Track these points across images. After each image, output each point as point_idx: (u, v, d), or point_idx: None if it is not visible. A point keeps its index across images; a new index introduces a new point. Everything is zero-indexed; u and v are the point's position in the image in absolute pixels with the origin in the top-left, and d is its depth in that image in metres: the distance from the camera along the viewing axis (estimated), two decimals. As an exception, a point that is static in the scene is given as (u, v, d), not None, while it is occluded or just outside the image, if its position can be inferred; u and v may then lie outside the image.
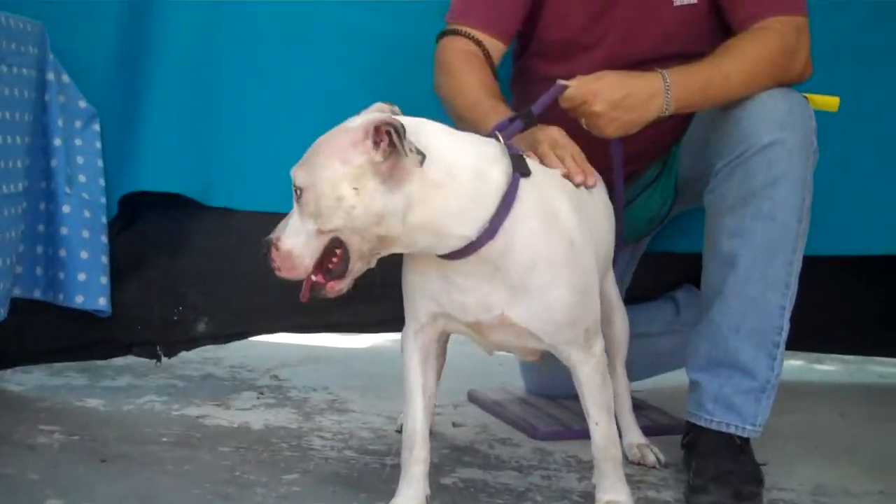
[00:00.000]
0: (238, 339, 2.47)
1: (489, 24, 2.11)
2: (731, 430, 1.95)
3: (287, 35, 2.38)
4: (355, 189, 1.50)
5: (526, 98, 2.05)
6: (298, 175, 1.53)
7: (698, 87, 1.95)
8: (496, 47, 2.12)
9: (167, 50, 2.34)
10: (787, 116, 1.91)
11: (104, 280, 2.27)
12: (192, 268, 2.37)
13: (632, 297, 2.42)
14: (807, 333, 2.37)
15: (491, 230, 1.57)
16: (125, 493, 1.78)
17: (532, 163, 1.69)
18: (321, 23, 2.39)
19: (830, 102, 2.08)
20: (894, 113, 2.50)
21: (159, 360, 2.37)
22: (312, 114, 2.31)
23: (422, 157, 1.49)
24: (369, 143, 1.50)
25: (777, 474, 2.02)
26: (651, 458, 2.08)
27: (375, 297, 2.28)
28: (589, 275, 1.71)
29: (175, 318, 2.37)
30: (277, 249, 1.55)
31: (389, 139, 1.49)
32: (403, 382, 1.76)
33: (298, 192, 1.53)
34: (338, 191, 1.50)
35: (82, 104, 2.30)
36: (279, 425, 2.21)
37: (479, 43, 2.09)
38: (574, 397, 1.80)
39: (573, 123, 1.93)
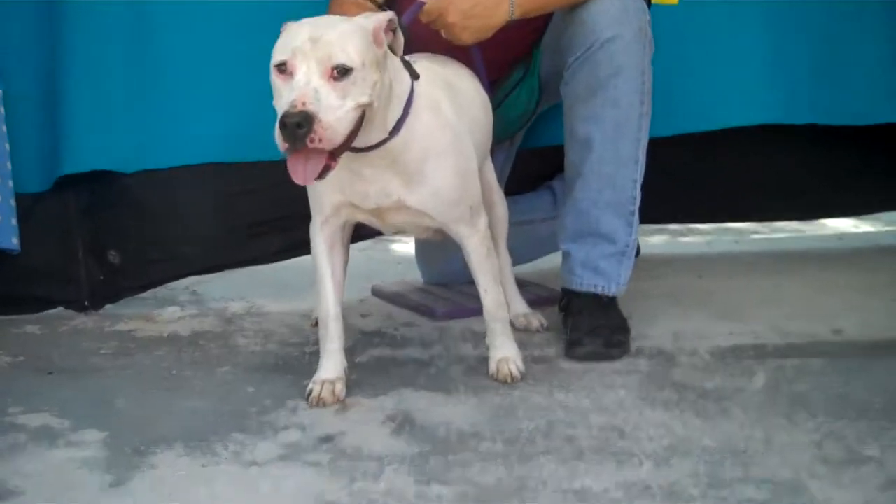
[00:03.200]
0: (154, 286, 2.71)
1: None
2: (599, 291, 2.27)
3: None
4: (379, 68, 1.77)
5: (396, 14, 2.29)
6: (350, 56, 1.70)
7: None
8: None
9: (79, 28, 2.50)
10: (622, 14, 2.19)
11: (14, 221, 2.45)
12: (114, 226, 2.61)
13: (514, 190, 2.72)
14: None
15: (396, 127, 1.86)
16: (76, 396, 2.02)
17: (415, 64, 1.97)
18: None
19: None
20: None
21: (87, 312, 2.60)
22: (205, 65, 2.58)
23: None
24: (388, 33, 1.81)
25: (642, 326, 2.34)
26: (535, 324, 2.39)
27: (269, 231, 2.63)
28: (469, 160, 2.02)
29: (101, 277, 2.62)
30: (321, 122, 1.66)
31: (394, 32, 1.81)
32: (314, 270, 2.03)
33: (343, 70, 1.70)
34: (374, 69, 1.75)
35: None
36: (205, 330, 2.45)
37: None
38: (465, 283, 2.10)
39: (436, 35, 2.19)
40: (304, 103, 1.66)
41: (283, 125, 1.66)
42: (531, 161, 2.82)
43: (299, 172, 1.73)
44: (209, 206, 2.64)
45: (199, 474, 1.66)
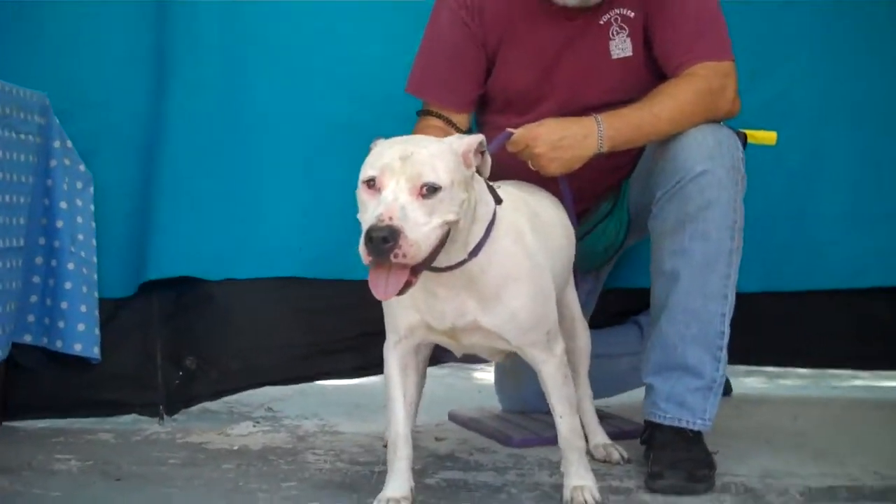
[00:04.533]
0: (229, 395, 2.70)
1: (446, 102, 2.35)
2: (684, 425, 2.16)
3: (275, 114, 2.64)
4: (466, 189, 1.77)
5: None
6: (440, 175, 1.70)
7: (629, 127, 2.18)
8: (460, 118, 2.36)
9: (176, 135, 2.59)
10: (716, 148, 2.15)
11: (97, 331, 2.50)
12: (193, 335, 2.63)
13: (599, 324, 2.67)
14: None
15: (476, 249, 1.83)
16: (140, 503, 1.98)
17: (499, 189, 1.95)
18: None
19: (768, 137, 2.34)
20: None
21: (162, 418, 2.60)
22: (294, 181, 2.63)
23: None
24: (476, 155, 1.81)
25: (730, 463, 2.23)
26: (616, 456, 2.29)
27: (345, 349, 2.61)
28: (547, 286, 1.97)
29: (176, 381, 2.62)
30: (407, 237, 1.65)
31: (482, 154, 1.83)
32: (386, 390, 1.98)
33: (432, 188, 1.69)
34: (462, 189, 1.75)
35: (81, 168, 2.53)
36: (276, 446, 2.40)
37: (449, 121, 2.33)
38: (544, 412, 2.03)
39: (523, 167, 2.19)
40: (391, 218, 1.65)
41: (368, 238, 1.64)
42: (616, 301, 2.79)
43: (380, 287, 1.70)
44: (288, 319, 2.63)
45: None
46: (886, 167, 2.85)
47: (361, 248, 1.66)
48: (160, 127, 2.59)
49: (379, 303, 2.36)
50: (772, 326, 2.86)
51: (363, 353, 2.60)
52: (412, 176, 1.69)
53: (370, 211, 1.68)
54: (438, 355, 2.28)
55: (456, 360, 2.28)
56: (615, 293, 2.79)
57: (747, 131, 2.27)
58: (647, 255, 2.59)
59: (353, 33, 2.66)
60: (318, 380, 2.72)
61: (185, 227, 2.58)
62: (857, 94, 2.82)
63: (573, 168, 2.17)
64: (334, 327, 2.64)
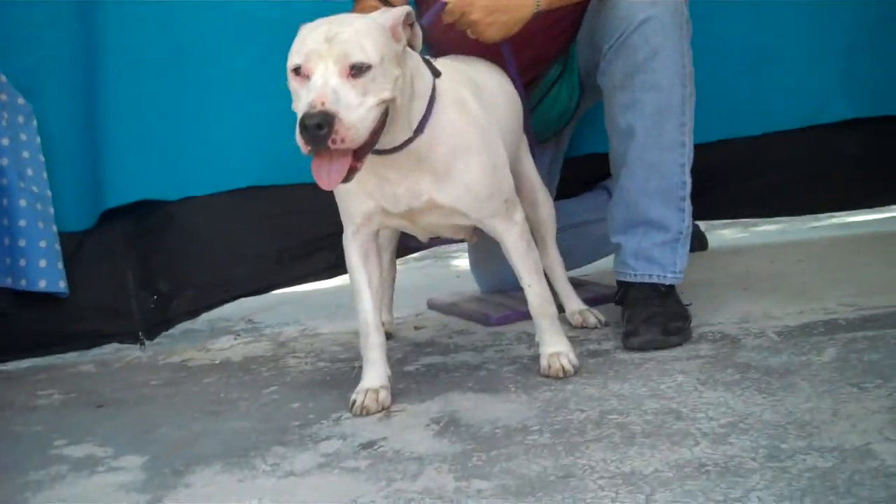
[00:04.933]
0: (206, 311, 2.68)
1: None
2: (654, 280, 2.15)
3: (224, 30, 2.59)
4: (399, 64, 1.71)
5: (419, 15, 2.24)
6: (368, 52, 1.64)
7: None
8: None
9: (115, 62, 2.54)
10: None
11: (60, 265, 2.48)
12: (161, 257, 2.60)
13: (566, 194, 2.64)
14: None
15: (420, 125, 1.79)
16: (123, 426, 1.98)
17: (436, 62, 1.90)
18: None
19: None
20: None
21: (143, 344, 2.59)
22: (238, 91, 2.58)
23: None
24: (405, 28, 1.75)
25: (706, 313, 2.23)
26: (592, 320, 2.29)
27: (316, 250, 2.59)
28: (499, 153, 1.93)
29: (151, 306, 2.60)
30: (342, 121, 1.60)
31: (411, 27, 1.75)
32: (350, 280, 1.96)
33: (361, 67, 1.63)
34: (394, 65, 1.69)
35: (21, 101, 2.47)
36: (257, 355, 2.41)
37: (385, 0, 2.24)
38: (519, 288, 2.01)
39: (463, 37, 2.12)
40: (322, 103, 1.60)
41: (303, 127, 1.60)
42: (584, 168, 2.75)
43: (323, 176, 1.66)
44: (254, 229, 2.61)
45: (234, 488, 1.59)
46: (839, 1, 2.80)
47: (298, 139, 1.61)
48: (98, 54, 2.53)
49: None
50: (740, 176, 2.83)
51: (336, 252, 2.56)
52: (339, 56, 1.63)
53: (302, 99, 1.64)
54: (407, 243, 2.26)
55: (424, 246, 2.26)
56: (580, 160, 2.75)
57: None
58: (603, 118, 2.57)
59: None
60: (292, 285, 2.70)
61: (136, 151, 2.54)
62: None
63: (513, 31, 2.10)
64: (302, 231, 2.62)
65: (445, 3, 2.09)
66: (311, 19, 1.80)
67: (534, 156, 2.32)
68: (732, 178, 2.80)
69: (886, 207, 3.03)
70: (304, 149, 1.62)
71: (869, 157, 2.80)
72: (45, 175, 2.49)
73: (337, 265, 2.63)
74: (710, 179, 2.53)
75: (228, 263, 2.62)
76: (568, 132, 2.67)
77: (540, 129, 2.44)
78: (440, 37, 2.12)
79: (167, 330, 2.62)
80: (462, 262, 3.21)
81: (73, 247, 2.53)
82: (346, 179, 1.66)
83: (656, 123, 2.12)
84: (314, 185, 2.51)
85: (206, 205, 2.58)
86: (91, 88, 2.55)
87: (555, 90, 2.45)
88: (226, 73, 2.59)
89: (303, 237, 2.63)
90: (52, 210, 2.49)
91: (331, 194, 2.37)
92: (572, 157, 2.76)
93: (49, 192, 2.50)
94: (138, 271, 2.59)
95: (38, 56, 2.52)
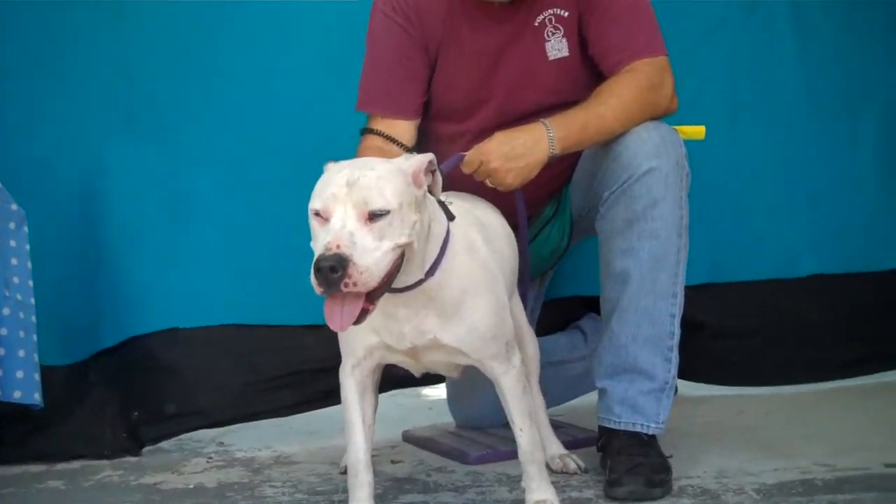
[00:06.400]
0: (174, 437, 2.74)
1: (391, 111, 2.34)
2: (638, 429, 2.19)
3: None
4: (418, 209, 1.76)
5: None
6: (387, 198, 1.69)
7: (577, 128, 2.20)
8: (407, 127, 2.35)
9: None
10: (661, 146, 2.18)
11: (37, 377, 2.45)
12: (132, 389, 2.68)
13: (541, 334, 2.69)
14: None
15: (433, 267, 1.83)
16: (99, 553, 1.94)
17: (450, 205, 1.96)
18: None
19: (697, 131, 2.37)
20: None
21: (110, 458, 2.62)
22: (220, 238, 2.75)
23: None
24: (427, 174, 1.80)
25: (684, 466, 2.26)
26: (572, 466, 2.31)
27: (284, 385, 2.74)
28: (503, 295, 1.99)
29: (124, 434, 2.65)
30: (356, 265, 1.64)
31: (433, 174, 1.82)
32: (344, 415, 1.97)
33: (379, 213, 1.68)
34: (412, 210, 1.73)
35: (14, 207, 2.47)
36: (231, 481, 2.37)
37: (392, 139, 2.32)
38: (498, 426, 2.04)
39: (478, 185, 2.20)
40: (338, 246, 1.64)
41: (317, 269, 1.63)
42: (557, 311, 2.85)
43: (336, 318, 1.69)
44: (227, 364, 2.72)
45: None
46: (797, 158, 3.00)
47: (312, 279, 1.64)
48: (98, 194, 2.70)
49: (314, 342, 2.63)
50: (727, 349, 2.97)
51: (291, 391, 2.73)
52: (358, 202, 1.68)
53: (320, 241, 1.68)
54: (396, 372, 2.28)
55: (407, 374, 2.28)
56: (555, 304, 2.84)
57: (676, 127, 2.29)
58: (584, 263, 2.65)
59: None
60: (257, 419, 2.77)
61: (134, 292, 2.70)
62: (768, 90, 2.98)
63: (531, 176, 2.17)
64: (271, 367, 2.72)
65: (463, 156, 2.16)
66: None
67: (527, 295, 2.37)
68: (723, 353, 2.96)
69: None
70: (318, 290, 1.65)
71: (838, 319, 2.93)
72: (30, 283, 2.48)
73: (299, 403, 2.75)
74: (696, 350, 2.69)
75: (198, 393, 2.69)
76: (550, 273, 2.73)
77: (531, 268, 2.49)
78: (455, 184, 2.19)
79: (134, 456, 2.63)
80: (433, 392, 3.22)
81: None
82: (358, 321, 1.69)
83: (651, 271, 2.18)
84: (282, 328, 2.70)
85: (184, 338, 2.70)
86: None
87: (547, 230, 2.52)
88: (220, 221, 2.74)
89: (269, 374, 2.73)
90: (34, 319, 2.47)
91: (300, 336, 2.65)
92: (551, 300, 2.82)
93: (33, 301, 2.48)
94: (114, 404, 2.67)
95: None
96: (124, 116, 2.71)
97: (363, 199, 1.68)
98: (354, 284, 1.64)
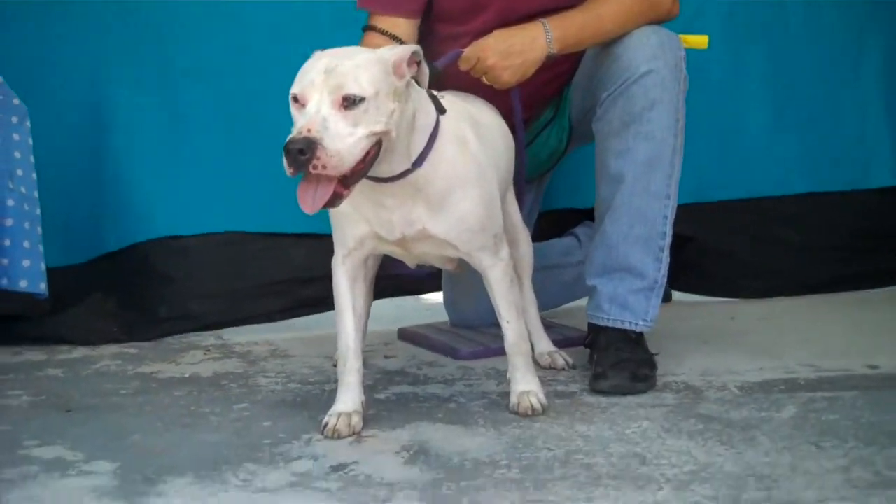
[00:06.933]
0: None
1: (392, 9, 2.32)
2: (626, 326, 2.22)
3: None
4: (398, 98, 1.77)
5: (430, 56, 2.29)
6: (362, 85, 1.71)
7: (575, 28, 2.20)
8: (408, 26, 2.32)
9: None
10: (659, 49, 2.18)
11: (42, 267, 2.51)
12: (135, 293, 2.81)
13: (538, 239, 2.71)
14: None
15: (420, 159, 1.85)
16: (93, 432, 1.99)
17: (443, 100, 1.98)
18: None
19: (700, 41, 2.37)
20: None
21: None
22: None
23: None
24: (412, 65, 1.81)
25: (670, 364, 2.30)
26: (560, 362, 2.34)
27: (281, 291, 2.85)
28: (493, 190, 2.01)
29: (114, 329, 2.76)
30: (325, 149, 1.66)
31: (418, 65, 1.82)
32: (335, 303, 2.00)
33: (354, 99, 1.70)
34: (391, 99, 1.75)
35: (15, 101, 2.50)
36: (227, 371, 2.43)
37: (392, 36, 2.30)
38: (491, 325, 2.07)
39: (475, 82, 2.20)
40: (309, 130, 1.67)
41: (286, 151, 1.66)
42: (554, 222, 2.90)
43: (308, 199, 1.72)
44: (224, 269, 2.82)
45: (207, 500, 1.62)
46: (799, 79, 3.01)
47: (283, 161, 1.68)
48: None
49: (305, 252, 2.72)
50: (715, 260, 3.03)
51: (287, 296, 2.85)
52: (334, 88, 1.70)
53: (296, 125, 1.70)
54: (388, 266, 2.31)
55: (407, 271, 2.31)
56: (550, 215, 2.89)
57: (681, 35, 2.28)
58: (581, 174, 2.67)
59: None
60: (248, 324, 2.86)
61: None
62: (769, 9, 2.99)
63: (528, 74, 2.18)
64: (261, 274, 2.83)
65: (460, 53, 2.16)
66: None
67: (523, 196, 2.39)
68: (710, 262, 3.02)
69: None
70: (288, 171, 1.68)
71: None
72: (34, 176, 2.52)
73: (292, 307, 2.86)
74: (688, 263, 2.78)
75: (199, 298, 2.82)
76: (548, 176, 2.75)
77: (529, 170, 2.50)
78: (454, 82, 2.19)
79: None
80: (432, 297, 3.26)
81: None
82: (331, 205, 1.72)
83: (646, 172, 2.19)
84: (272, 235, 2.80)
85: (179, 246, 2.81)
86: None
87: (546, 132, 2.52)
88: (215, 132, 2.83)
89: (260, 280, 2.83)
90: (38, 212, 2.52)
91: (290, 244, 2.78)
92: (547, 211, 2.85)
93: (36, 193, 2.52)
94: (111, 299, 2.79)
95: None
96: (125, 31, 2.78)
97: (338, 85, 1.70)
98: (324, 167, 1.67)
